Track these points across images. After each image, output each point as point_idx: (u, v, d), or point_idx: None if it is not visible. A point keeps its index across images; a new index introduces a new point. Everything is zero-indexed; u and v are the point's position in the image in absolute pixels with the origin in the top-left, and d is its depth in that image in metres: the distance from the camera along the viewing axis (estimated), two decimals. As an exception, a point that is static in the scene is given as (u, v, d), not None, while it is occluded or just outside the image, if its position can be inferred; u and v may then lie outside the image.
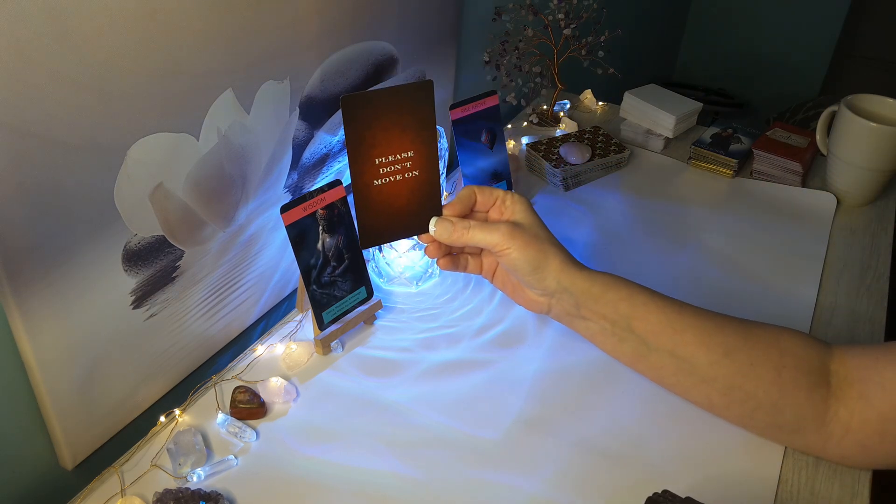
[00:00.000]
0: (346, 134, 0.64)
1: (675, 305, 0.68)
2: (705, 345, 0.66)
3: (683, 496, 0.56)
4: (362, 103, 0.64)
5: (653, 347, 0.68)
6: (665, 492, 0.57)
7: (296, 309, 0.85)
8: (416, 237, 0.73)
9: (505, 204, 0.71)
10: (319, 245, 0.75)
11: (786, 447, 0.70)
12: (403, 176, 0.68)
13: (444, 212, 0.71)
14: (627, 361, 0.71)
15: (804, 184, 1.12)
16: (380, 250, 0.88)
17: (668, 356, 0.67)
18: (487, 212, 0.73)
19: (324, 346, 0.78)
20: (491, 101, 0.98)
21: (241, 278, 0.81)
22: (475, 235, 0.68)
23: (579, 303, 0.69)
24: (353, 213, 0.69)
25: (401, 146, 0.67)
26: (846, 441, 0.64)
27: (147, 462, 0.67)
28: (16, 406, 0.62)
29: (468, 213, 0.72)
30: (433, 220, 0.70)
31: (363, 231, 0.69)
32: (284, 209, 0.72)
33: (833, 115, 1.09)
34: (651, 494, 0.56)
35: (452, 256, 0.74)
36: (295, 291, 0.90)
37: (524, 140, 1.19)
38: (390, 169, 0.67)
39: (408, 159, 0.67)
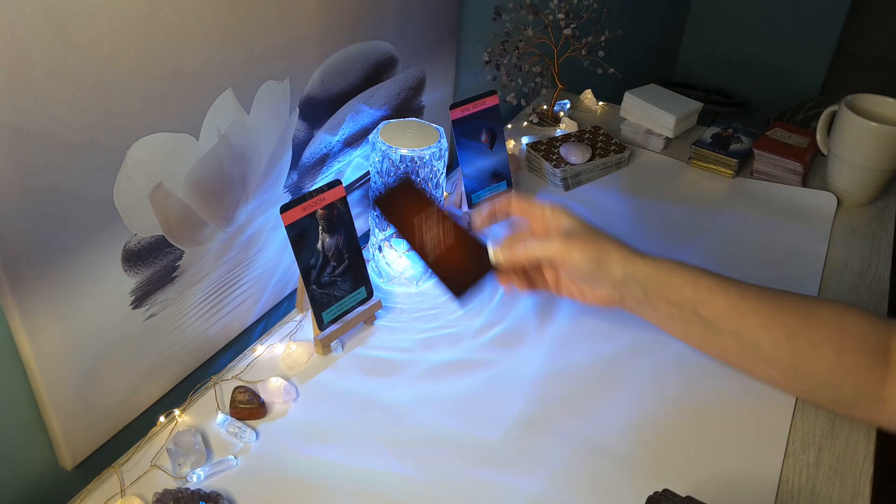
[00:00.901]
0: (394, 227, 0.76)
1: (738, 288, 0.69)
2: (768, 328, 0.67)
3: (684, 495, 0.56)
4: (389, 200, 0.78)
5: (718, 330, 0.69)
6: (665, 491, 0.57)
7: (295, 309, 0.85)
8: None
9: (546, 216, 0.73)
10: (319, 245, 0.75)
11: (786, 447, 0.70)
12: (441, 227, 0.75)
13: (485, 225, 0.76)
14: (694, 343, 0.72)
15: (805, 184, 1.12)
16: (380, 250, 0.88)
17: (732, 338, 0.69)
18: (529, 224, 0.75)
19: (324, 346, 0.78)
20: (491, 101, 0.98)
21: (241, 278, 0.81)
22: (533, 249, 0.70)
23: (647, 289, 0.70)
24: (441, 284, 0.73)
25: (422, 208, 0.76)
26: None
27: (147, 462, 0.67)
28: (15, 406, 0.62)
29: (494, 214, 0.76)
30: (491, 251, 0.72)
31: (456, 288, 0.72)
32: (284, 209, 0.71)
33: (833, 115, 1.09)
34: (651, 493, 0.56)
35: (527, 276, 0.75)
36: (295, 291, 0.90)
37: (524, 140, 1.19)
38: (431, 229, 0.75)
39: (433, 213, 0.76)
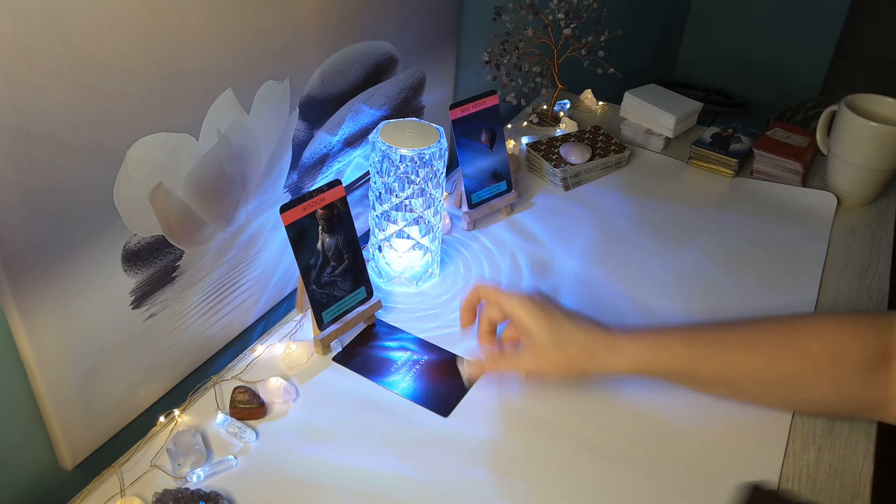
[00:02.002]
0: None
1: (727, 358, 0.68)
2: (759, 381, 0.68)
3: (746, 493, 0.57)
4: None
5: (709, 389, 0.71)
6: (763, 484, 0.57)
7: (295, 309, 0.85)
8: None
9: (511, 313, 0.71)
10: (319, 245, 0.75)
11: (786, 447, 0.70)
12: None
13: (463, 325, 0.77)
14: (686, 388, 0.73)
15: (804, 183, 1.12)
16: (380, 250, 0.88)
17: (724, 390, 0.71)
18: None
19: (323, 346, 0.78)
20: (491, 101, 0.98)
21: (241, 278, 0.81)
22: (505, 366, 0.72)
23: (632, 375, 0.70)
24: None
25: None
26: None
27: (146, 462, 0.67)
28: (16, 406, 0.62)
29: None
30: (464, 365, 0.76)
31: (441, 410, 0.74)
32: (284, 209, 0.71)
33: (833, 115, 1.09)
34: (748, 486, 0.58)
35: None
36: (295, 291, 0.90)
37: (524, 140, 1.19)
38: None
39: None
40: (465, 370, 0.75)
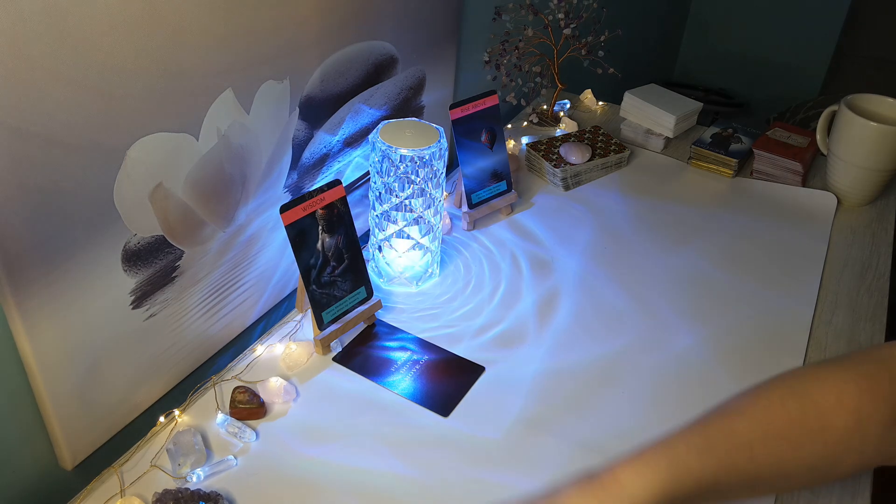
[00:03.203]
0: None
1: (754, 462, 0.56)
2: (789, 478, 0.59)
3: None
4: None
5: (732, 499, 0.60)
6: None
7: (295, 309, 0.85)
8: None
9: None
10: (319, 245, 0.75)
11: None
12: None
13: None
14: None
15: (804, 183, 1.12)
16: (380, 250, 0.88)
17: (748, 495, 0.59)
18: None
19: (323, 346, 0.78)
20: (491, 101, 0.98)
21: (241, 278, 0.81)
22: None
23: None
24: None
25: None
26: None
27: (147, 462, 0.67)
28: (16, 406, 0.62)
29: None
30: None
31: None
32: (284, 209, 0.72)
33: (833, 115, 1.09)
34: None
35: None
36: (295, 291, 0.90)
37: (524, 140, 1.19)
38: None
39: None
40: None
